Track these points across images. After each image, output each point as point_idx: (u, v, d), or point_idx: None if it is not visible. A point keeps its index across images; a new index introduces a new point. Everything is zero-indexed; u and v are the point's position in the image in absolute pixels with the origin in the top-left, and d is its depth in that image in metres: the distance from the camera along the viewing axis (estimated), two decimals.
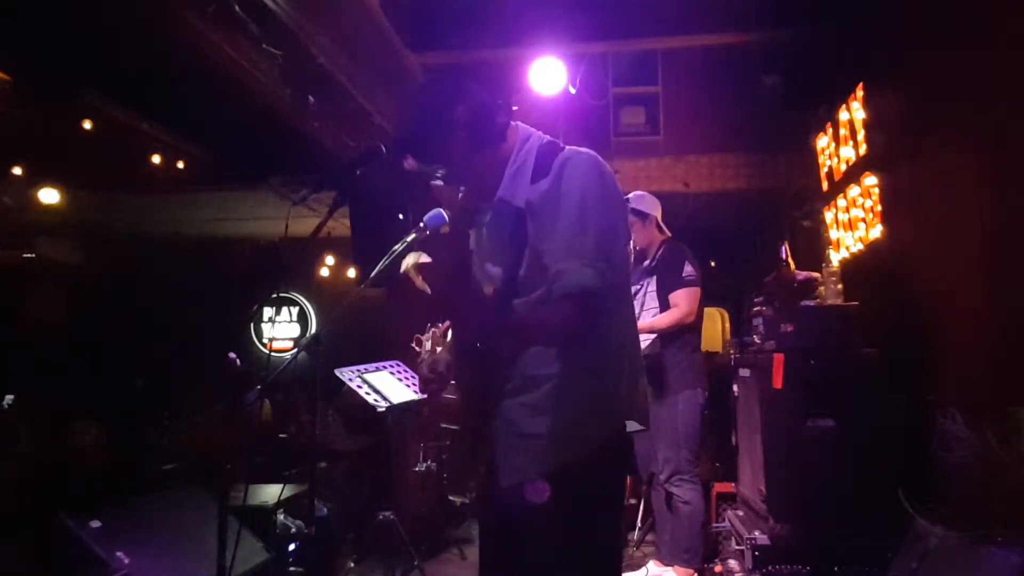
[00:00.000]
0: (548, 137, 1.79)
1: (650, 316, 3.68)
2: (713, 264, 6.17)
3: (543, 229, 1.63)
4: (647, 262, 3.80)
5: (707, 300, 3.94)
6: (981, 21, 3.04)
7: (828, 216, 4.74)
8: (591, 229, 1.59)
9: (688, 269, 3.66)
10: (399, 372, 3.90)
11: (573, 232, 1.59)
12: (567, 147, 1.72)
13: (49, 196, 6.03)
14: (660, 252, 3.79)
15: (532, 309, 1.65)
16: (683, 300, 3.63)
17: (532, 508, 1.57)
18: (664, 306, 3.67)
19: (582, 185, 1.62)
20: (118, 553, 2.76)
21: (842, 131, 4.40)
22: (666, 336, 3.63)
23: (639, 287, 3.77)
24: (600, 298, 1.58)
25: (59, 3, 3.32)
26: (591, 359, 1.63)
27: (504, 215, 1.70)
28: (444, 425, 4.49)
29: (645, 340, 3.62)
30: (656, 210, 3.84)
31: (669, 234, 3.89)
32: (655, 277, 3.75)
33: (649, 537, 4.28)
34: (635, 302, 3.77)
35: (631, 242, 1.81)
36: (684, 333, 3.66)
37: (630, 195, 3.81)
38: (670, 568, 3.63)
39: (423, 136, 1.70)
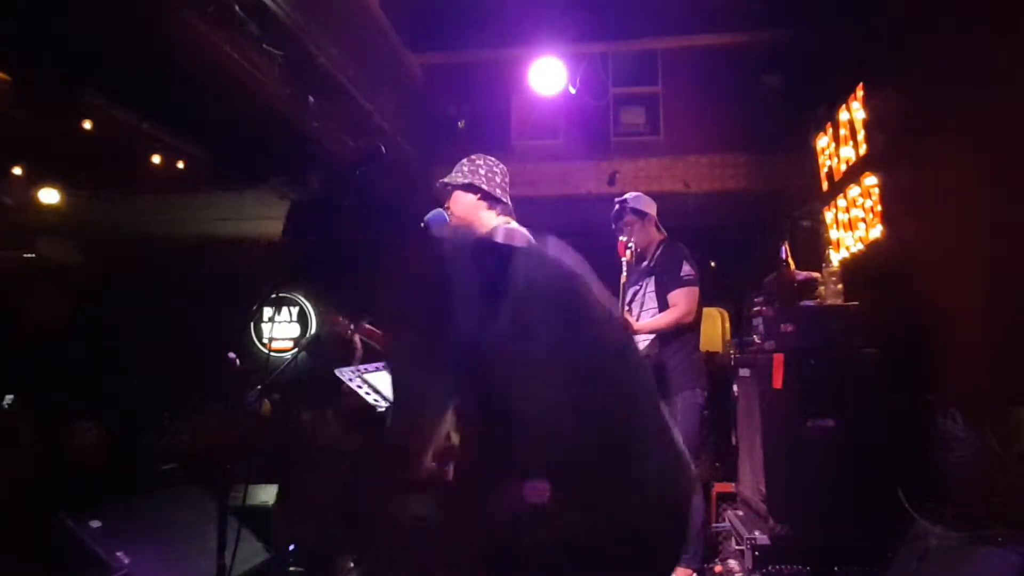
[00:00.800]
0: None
1: (649, 316, 3.68)
2: (713, 264, 6.17)
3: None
4: (645, 262, 3.81)
5: (707, 300, 3.94)
6: (981, 21, 3.04)
7: (828, 216, 4.74)
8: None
9: (686, 268, 3.66)
10: None
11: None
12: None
13: (49, 196, 6.03)
14: (658, 252, 3.80)
15: None
16: (682, 300, 3.63)
17: None
18: (663, 306, 3.67)
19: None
20: (118, 553, 2.76)
21: (842, 131, 4.40)
22: (665, 336, 3.63)
23: (638, 287, 3.77)
24: None
25: (59, 3, 3.33)
26: None
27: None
28: None
29: (644, 340, 3.62)
30: (653, 210, 3.84)
31: (665, 234, 3.90)
32: (653, 277, 3.75)
33: None
34: (635, 302, 3.78)
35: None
36: (683, 333, 3.66)
37: (627, 195, 3.82)
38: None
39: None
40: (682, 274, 3.65)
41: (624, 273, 3.74)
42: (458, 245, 1.34)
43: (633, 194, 3.83)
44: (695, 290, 3.66)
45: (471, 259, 1.29)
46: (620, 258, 3.76)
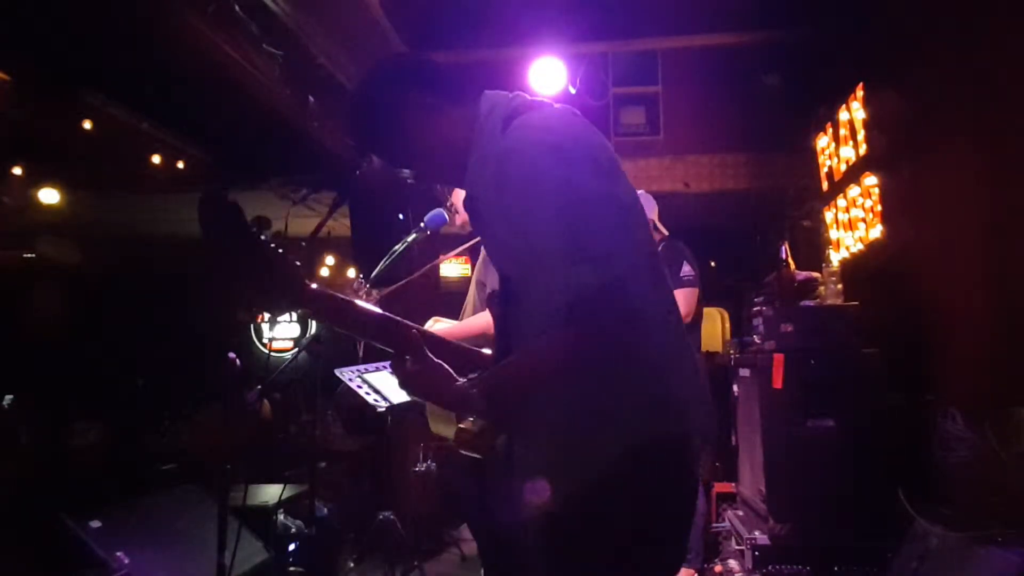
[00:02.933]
0: (517, 101, 1.43)
1: None
2: (713, 264, 6.17)
3: (509, 240, 1.31)
4: None
5: (707, 300, 3.93)
6: (981, 21, 3.04)
7: (828, 216, 4.74)
8: (560, 220, 1.21)
9: (686, 269, 3.64)
10: None
11: (537, 234, 1.23)
12: (512, 122, 1.35)
13: (49, 196, 6.02)
14: (658, 252, 3.78)
15: (537, 341, 1.27)
16: (681, 301, 3.60)
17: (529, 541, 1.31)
18: None
19: (524, 178, 1.26)
20: (118, 553, 2.76)
21: (842, 131, 4.40)
22: None
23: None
24: (617, 287, 1.19)
25: (59, 3, 3.33)
26: (592, 360, 1.23)
27: (478, 217, 1.40)
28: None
29: None
30: (652, 212, 3.82)
31: (666, 232, 3.88)
32: None
33: None
34: None
35: (636, 198, 1.45)
36: None
37: None
38: None
39: (364, 136, 1.49)
40: (682, 275, 3.63)
41: None
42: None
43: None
44: (695, 291, 3.65)
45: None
46: None
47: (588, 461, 1.24)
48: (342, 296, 1.42)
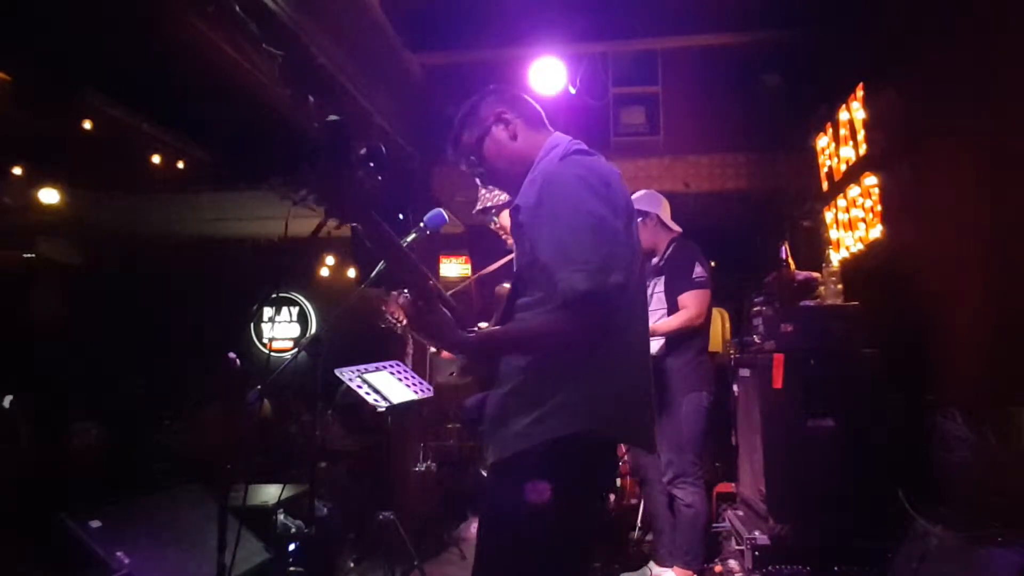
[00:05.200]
0: (575, 145, 1.81)
1: (658, 317, 3.63)
2: (713, 264, 6.15)
3: (535, 238, 1.66)
4: (655, 261, 3.76)
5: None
6: (981, 21, 3.04)
7: (828, 216, 4.74)
8: (577, 233, 1.58)
9: (698, 270, 3.62)
10: (399, 372, 3.89)
11: (558, 240, 1.59)
12: (567, 157, 1.76)
13: (49, 196, 6.02)
14: (669, 251, 3.74)
15: (531, 317, 1.67)
16: (692, 302, 3.59)
17: (485, 498, 1.67)
18: (672, 307, 3.64)
19: (564, 195, 1.64)
20: (118, 553, 2.76)
21: (842, 131, 4.40)
22: (673, 338, 3.60)
23: (648, 287, 3.72)
24: (602, 299, 1.54)
25: (59, 3, 3.33)
26: (568, 355, 1.60)
27: (518, 224, 1.75)
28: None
29: (654, 343, 3.60)
30: (658, 207, 3.80)
31: (679, 229, 3.84)
32: (663, 277, 3.71)
33: (648, 537, 4.27)
34: None
35: (637, 239, 1.83)
36: (691, 335, 3.62)
37: (632, 195, 3.76)
38: (670, 569, 3.63)
39: (458, 138, 1.90)
40: (694, 276, 3.60)
41: None
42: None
43: (638, 193, 3.75)
44: (706, 293, 3.62)
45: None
46: None
47: (519, 434, 1.58)
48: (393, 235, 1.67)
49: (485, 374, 1.71)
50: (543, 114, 1.94)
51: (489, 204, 2.96)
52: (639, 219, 3.71)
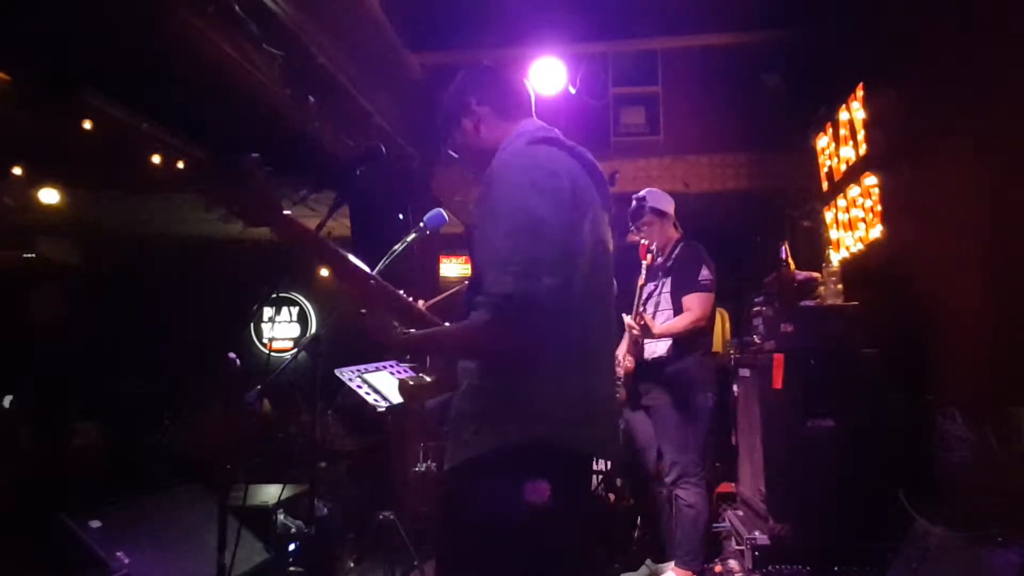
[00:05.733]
0: (542, 133, 1.73)
1: (663, 318, 3.63)
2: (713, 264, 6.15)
3: (479, 236, 1.59)
4: (662, 260, 3.76)
5: None
6: (981, 21, 3.04)
7: (828, 216, 4.74)
8: (510, 234, 1.50)
9: (705, 273, 3.61)
10: (399, 372, 3.89)
11: (493, 239, 1.52)
12: (525, 147, 1.68)
13: (49, 196, 6.03)
14: (676, 252, 3.74)
15: (455, 326, 1.66)
16: (696, 304, 3.58)
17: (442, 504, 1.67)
18: (678, 308, 3.64)
19: (502, 192, 1.56)
20: (118, 553, 2.76)
21: (842, 131, 4.40)
22: (681, 340, 3.60)
23: (654, 287, 3.71)
24: (528, 302, 1.46)
25: (59, 3, 3.32)
26: (507, 362, 1.53)
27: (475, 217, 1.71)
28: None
29: (660, 344, 3.60)
30: (671, 208, 3.80)
31: (681, 232, 3.84)
32: (670, 278, 3.70)
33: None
34: (649, 302, 3.74)
35: (600, 237, 1.71)
36: (695, 337, 3.62)
37: (644, 193, 3.72)
38: (669, 566, 3.63)
39: (440, 130, 1.88)
40: (700, 278, 3.59)
41: (643, 274, 3.71)
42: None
43: (650, 191, 3.73)
44: (711, 296, 3.61)
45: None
46: (641, 260, 3.72)
47: (467, 443, 1.53)
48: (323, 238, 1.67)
49: (444, 377, 1.73)
50: (525, 97, 1.83)
51: None
52: (659, 219, 3.72)
